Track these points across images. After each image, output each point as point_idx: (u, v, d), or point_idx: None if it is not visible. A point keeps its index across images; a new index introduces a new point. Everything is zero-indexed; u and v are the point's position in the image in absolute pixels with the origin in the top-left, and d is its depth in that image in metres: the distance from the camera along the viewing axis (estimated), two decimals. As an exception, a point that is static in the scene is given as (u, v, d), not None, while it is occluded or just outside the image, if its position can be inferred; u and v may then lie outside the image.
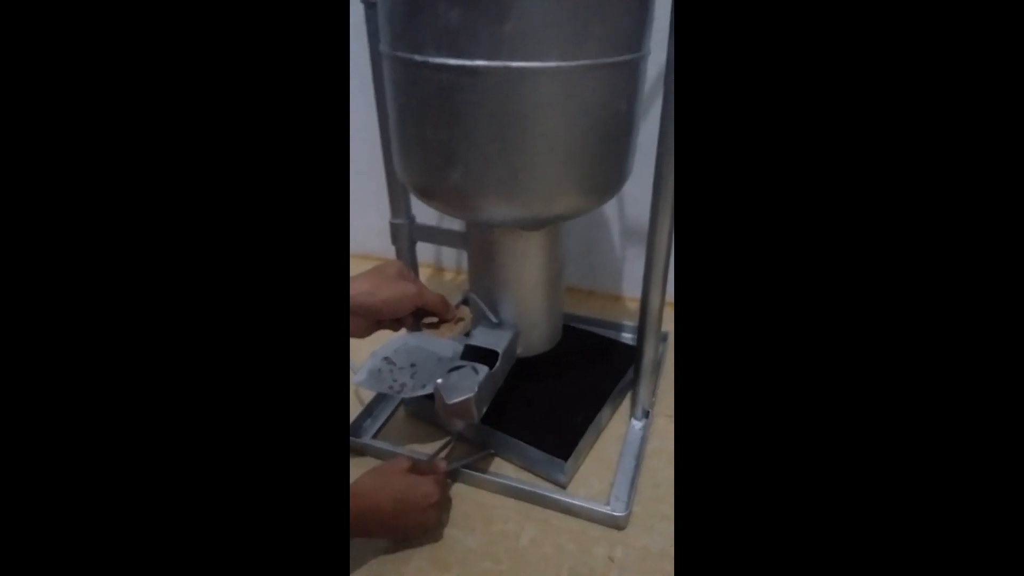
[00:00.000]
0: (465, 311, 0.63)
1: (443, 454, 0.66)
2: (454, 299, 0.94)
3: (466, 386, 0.56)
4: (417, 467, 0.57)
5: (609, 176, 0.56)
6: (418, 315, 0.59)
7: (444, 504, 0.59)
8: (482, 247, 0.64)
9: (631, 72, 0.51)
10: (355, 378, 0.64)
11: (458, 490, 0.63)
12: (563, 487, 0.62)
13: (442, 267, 1.09)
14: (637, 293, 0.64)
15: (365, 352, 0.64)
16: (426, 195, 0.57)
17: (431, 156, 0.52)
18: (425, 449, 0.67)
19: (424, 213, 0.75)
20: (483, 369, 0.59)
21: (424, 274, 1.06)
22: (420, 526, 0.55)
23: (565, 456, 0.60)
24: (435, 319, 0.61)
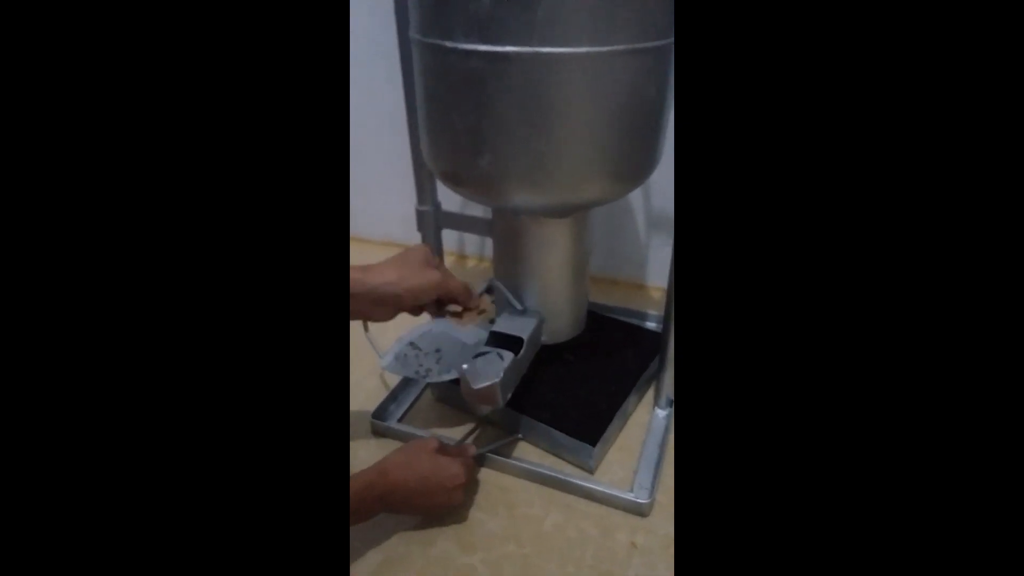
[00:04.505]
0: (487, 301, 0.64)
1: (471, 438, 0.67)
2: (477, 287, 0.95)
3: (492, 372, 0.57)
4: (445, 448, 0.58)
5: (637, 163, 0.56)
6: (440, 302, 0.59)
7: (470, 486, 0.60)
8: (508, 234, 0.64)
9: (661, 58, 0.51)
10: (381, 362, 0.65)
11: (483, 474, 0.63)
12: (591, 472, 0.62)
13: (465, 255, 1.09)
14: (661, 282, 0.64)
15: (391, 336, 0.65)
16: (454, 182, 0.57)
17: (459, 142, 0.52)
18: (449, 433, 0.68)
19: (448, 200, 0.76)
20: (508, 355, 0.59)
21: (447, 261, 1.07)
22: (445, 505, 0.57)
23: (593, 441, 0.61)
24: (458, 308, 0.61)
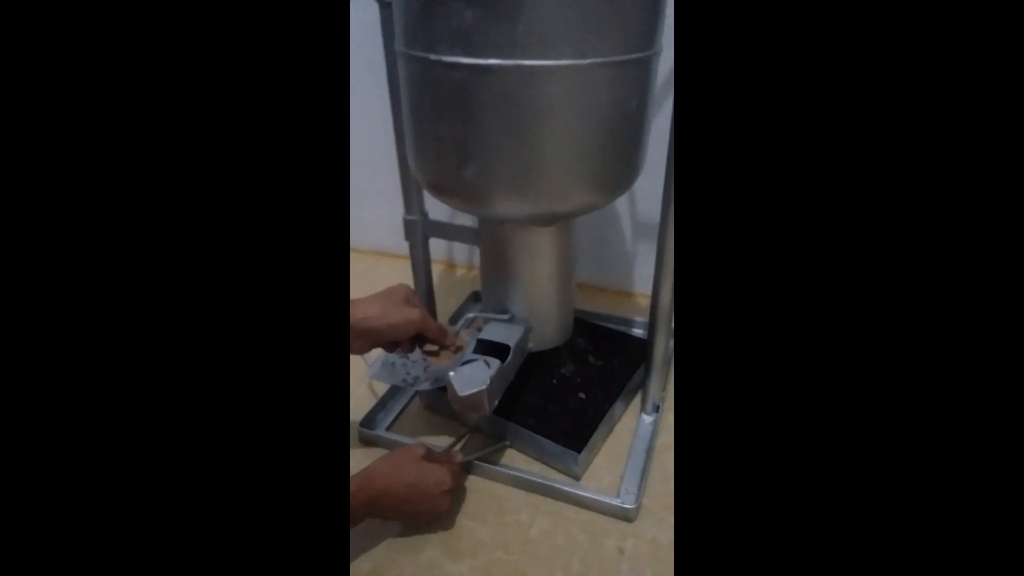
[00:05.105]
0: (465, 336, 0.65)
1: (459, 445, 0.67)
2: (463, 294, 0.95)
3: (478, 379, 0.57)
4: (432, 455, 0.59)
5: (620, 172, 0.57)
6: (416, 339, 0.61)
7: (457, 493, 0.61)
8: (494, 243, 0.65)
9: (642, 70, 0.52)
10: (369, 371, 0.65)
11: (471, 482, 0.64)
12: (577, 479, 0.63)
13: (454, 263, 1.10)
14: (648, 290, 0.65)
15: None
16: (439, 191, 0.58)
17: (445, 153, 0.53)
18: (437, 441, 0.68)
19: (437, 209, 0.76)
20: (495, 362, 0.59)
21: (436, 270, 1.07)
22: (432, 512, 0.57)
23: (579, 448, 0.61)
24: (435, 347, 0.63)
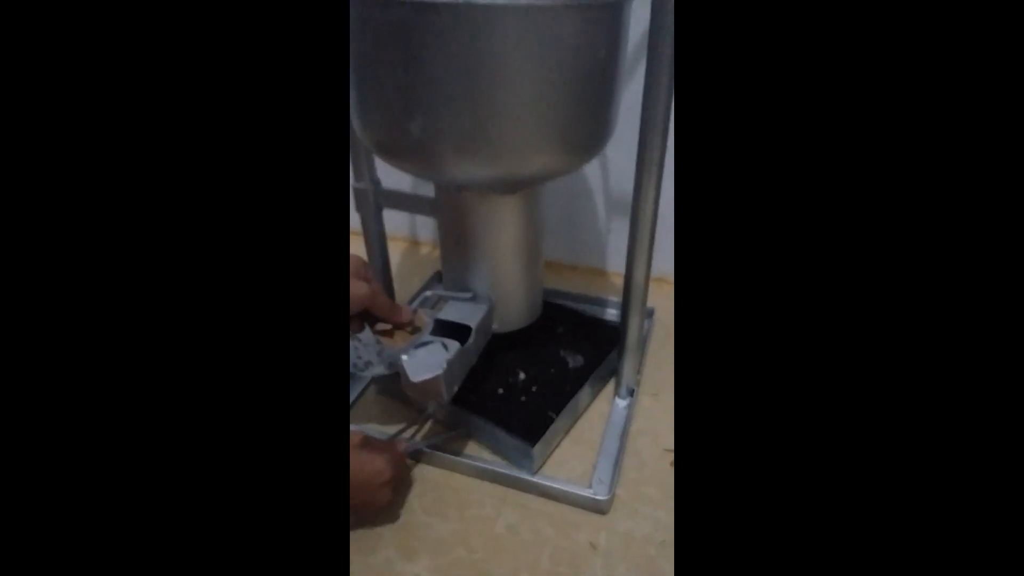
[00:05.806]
0: (422, 316, 0.59)
1: (407, 433, 0.62)
2: (428, 274, 0.89)
3: (434, 363, 0.52)
4: (371, 444, 0.54)
5: (588, 132, 0.51)
6: (365, 317, 0.54)
7: (400, 484, 0.56)
8: (452, 213, 0.59)
9: (612, 16, 0.46)
10: (317, 356, 0.59)
11: (430, 474, 0.59)
12: (531, 474, 0.58)
13: (417, 240, 1.04)
14: (623, 268, 0.60)
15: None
16: (385, 152, 0.52)
17: (389, 106, 0.47)
18: (392, 431, 0.63)
19: (394, 178, 0.70)
20: (454, 345, 0.54)
21: (398, 248, 1.01)
22: (371, 505, 0.52)
23: (533, 441, 0.56)
24: (388, 326, 0.57)
